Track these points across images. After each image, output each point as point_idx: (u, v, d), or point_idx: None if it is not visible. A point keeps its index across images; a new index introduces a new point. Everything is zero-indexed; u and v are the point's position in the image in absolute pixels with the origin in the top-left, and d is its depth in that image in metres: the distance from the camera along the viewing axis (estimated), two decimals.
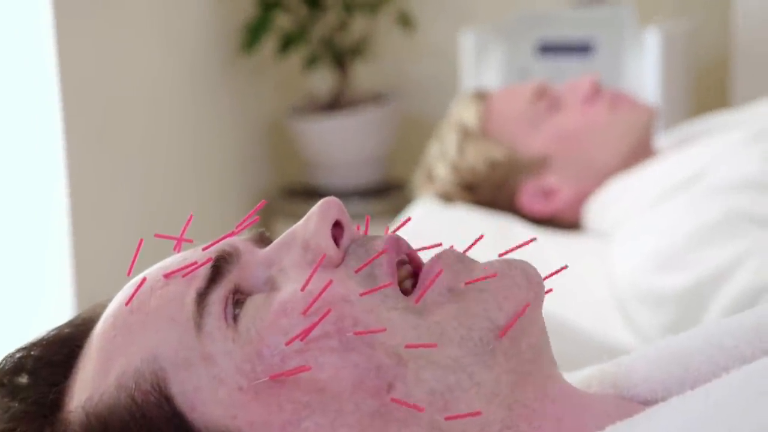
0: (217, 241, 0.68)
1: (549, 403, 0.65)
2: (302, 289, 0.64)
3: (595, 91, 1.90)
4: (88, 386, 0.66)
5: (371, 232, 0.70)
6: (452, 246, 0.68)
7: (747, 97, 2.46)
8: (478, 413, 0.62)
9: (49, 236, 2.38)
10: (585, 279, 1.71)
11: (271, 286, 0.66)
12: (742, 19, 2.67)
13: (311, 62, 3.14)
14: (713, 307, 1.50)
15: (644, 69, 2.58)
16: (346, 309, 0.63)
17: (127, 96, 2.61)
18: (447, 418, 0.62)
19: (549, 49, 2.71)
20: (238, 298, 0.65)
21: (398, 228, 0.71)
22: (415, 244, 0.69)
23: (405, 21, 3.15)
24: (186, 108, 2.87)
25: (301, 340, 0.62)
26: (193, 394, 0.63)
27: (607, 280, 1.68)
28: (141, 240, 0.72)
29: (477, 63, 2.73)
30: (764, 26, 2.66)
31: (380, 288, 0.64)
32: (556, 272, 0.69)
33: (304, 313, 0.63)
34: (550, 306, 1.67)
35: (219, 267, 0.66)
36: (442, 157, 1.95)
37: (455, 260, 0.66)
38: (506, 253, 0.68)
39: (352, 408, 0.62)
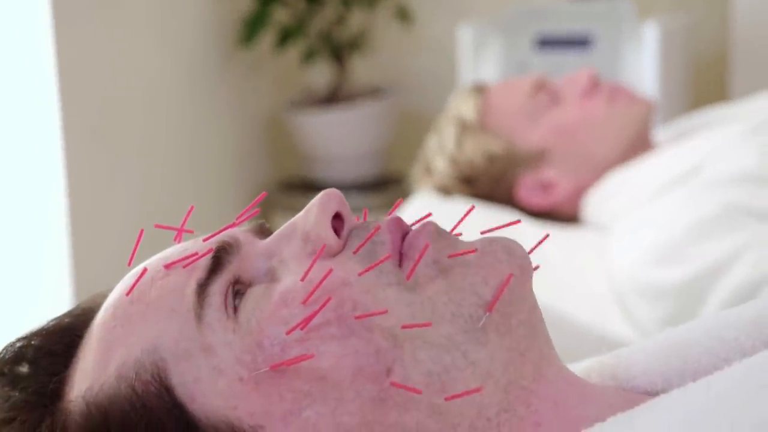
0: (218, 233, 0.68)
1: (546, 385, 0.65)
2: (302, 280, 0.64)
3: (594, 85, 1.90)
4: (89, 376, 0.66)
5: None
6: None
7: (745, 91, 2.46)
8: (478, 390, 0.62)
9: (47, 229, 2.38)
10: (583, 272, 1.71)
11: (271, 277, 0.66)
12: (740, 13, 2.67)
13: (309, 56, 3.14)
14: (712, 301, 1.50)
15: (643, 63, 2.58)
16: (345, 292, 0.63)
17: (124, 90, 2.60)
18: (447, 399, 0.62)
19: (547, 42, 2.71)
20: (238, 289, 0.66)
21: (392, 210, 0.72)
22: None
23: (403, 15, 3.15)
24: (184, 102, 2.87)
25: (302, 329, 0.62)
26: (194, 384, 0.63)
27: (605, 273, 1.68)
28: (142, 230, 0.72)
29: (475, 57, 2.73)
30: (763, 20, 2.66)
31: (378, 263, 0.64)
32: (539, 243, 0.70)
33: (304, 302, 0.63)
34: (548, 299, 1.67)
35: (220, 258, 0.66)
36: (441, 150, 1.95)
37: (437, 234, 0.66)
38: (488, 231, 0.68)
39: (352, 395, 0.62)
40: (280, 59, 3.23)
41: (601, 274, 1.69)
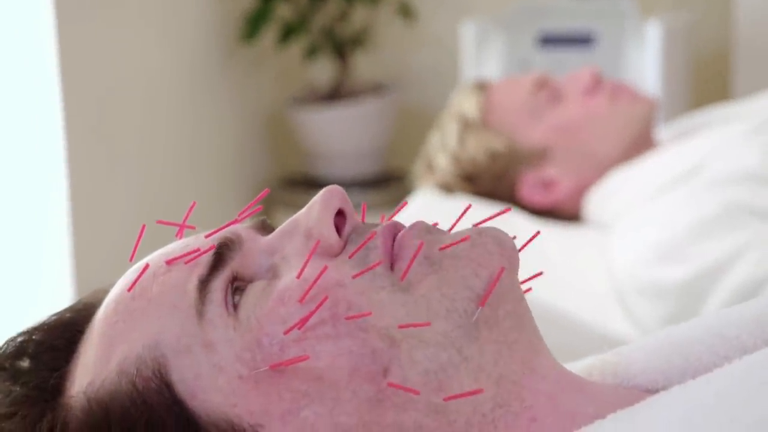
0: (220, 229, 0.68)
1: (539, 380, 0.65)
2: (298, 277, 0.64)
3: (596, 83, 1.90)
4: (90, 371, 0.66)
5: (369, 221, 0.70)
6: (435, 223, 0.68)
7: (747, 90, 2.46)
8: (479, 391, 0.62)
9: (48, 224, 2.38)
10: (585, 271, 1.71)
11: (273, 273, 0.66)
12: (742, 12, 2.67)
13: (311, 52, 3.14)
14: (713, 300, 1.50)
15: (645, 61, 2.58)
16: (340, 293, 0.63)
17: (126, 85, 2.60)
18: (446, 399, 0.62)
19: (550, 40, 2.71)
20: (238, 285, 0.66)
21: (395, 214, 0.72)
22: None
23: (405, 12, 3.14)
24: (186, 98, 2.87)
25: (299, 328, 0.62)
26: (194, 381, 0.63)
27: (606, 271, 1.68)
28: (143, 226, 0.72)
29: (477, 54, 2.73)
30: (765, 19, 2.66)
31: (371, 268, 0.64)
32: (531, 240, 0.70)
33: (301, 301, 0.63)
34: (550, 297, 1.67)
35: (221, 254, 0.66)
36: (443, 147, 1.94)
37: (426, 231, 0.66)
38: (480, 223, 0.68)
39: (349, 395, 0.62)
40: (283, 55, 3.23)
41: (602, 272, 1.69)
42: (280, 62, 3.27)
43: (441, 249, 0.65)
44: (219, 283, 0.65)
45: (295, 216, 0.68)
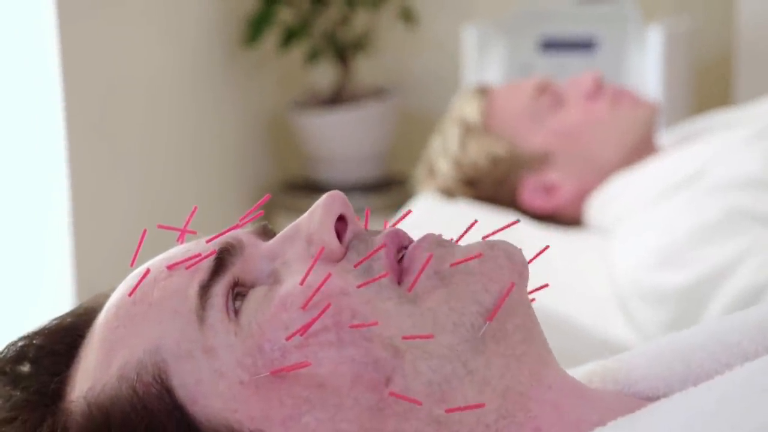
0: (221, 234, 0.68)
1: (545, 390, 0.65)
2: (301, 283, 0.64)
3: (597, 88, 1.90)
4: (90, 376, 0.66)
5: (371, 226, 0.70)
6: (440, 235, 0.68)
7: (749, 95, 2.46)
8: (482, 405, 0.62)
9: (49, 229, 2.38)
10: (586, 275, 1.71)
11: (274, 279, 0.66)
12: (744, 17, 2.67)
13: (313, 56, 3.14)
14: (714, 305, 1.50)
15: (647, 66, 2.58)
16: (344, 301, 0.63)
17: (128, 88, 2.60)
18: (448, 411, 0.62)
19: (551, 45, 2.71)
20: (239, 291, 0.65)
21: (398, 221, 0.71)
22: (416, 238, 0.69)
23: (407, 16, 3.15)
24: (187, 101, 2.87)
25: (301, 335, 0.62)
26: (195, 386, 0.63)
27: (608, 276, 1.68)
28: (144, 230, 0.72)
29: (479, 58, 2.73)
30: (767, 24, 2.66)
31: (377, 279, 0.64)
32: (540, 253, 0.69)
33: (304, 307, 0.63)
34: (551, 302, 1.67)
35: (222, 259, 0.66)
36: (444, 152, 1.94)
37: (437, 244, 0.66)
38: (488, 236, 0.68)
39: (351, 403, 0.62)
40: (284, 59, 3.23)
41: (603, 277, 1.69)
42: (281, 66, 3.27)
43: (452, 265, 0.65)
44: (220, 289, 0.65)
45: (296, 221, 0.68)
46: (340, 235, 0.66)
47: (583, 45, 2.67)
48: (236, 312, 0.64)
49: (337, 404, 0.62)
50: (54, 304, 2.34)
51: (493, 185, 1.90)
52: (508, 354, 0.64)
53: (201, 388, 0.63)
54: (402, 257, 0.66)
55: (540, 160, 1.88)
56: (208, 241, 0.68)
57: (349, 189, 3.08)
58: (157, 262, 0.68)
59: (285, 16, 3.12)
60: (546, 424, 0.64)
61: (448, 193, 1.93)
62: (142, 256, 0.71)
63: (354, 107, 3.13)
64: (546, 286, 0.68)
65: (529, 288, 0.67)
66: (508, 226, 0.70)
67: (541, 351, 0.66)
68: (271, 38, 3.13)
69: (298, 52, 3.18)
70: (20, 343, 0.69)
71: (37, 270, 2.39)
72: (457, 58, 2.91)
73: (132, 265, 0.70)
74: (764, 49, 2.66)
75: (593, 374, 0.72)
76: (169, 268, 0.66)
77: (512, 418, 0.64)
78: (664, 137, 2.01)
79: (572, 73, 2.15)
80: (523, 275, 0.65)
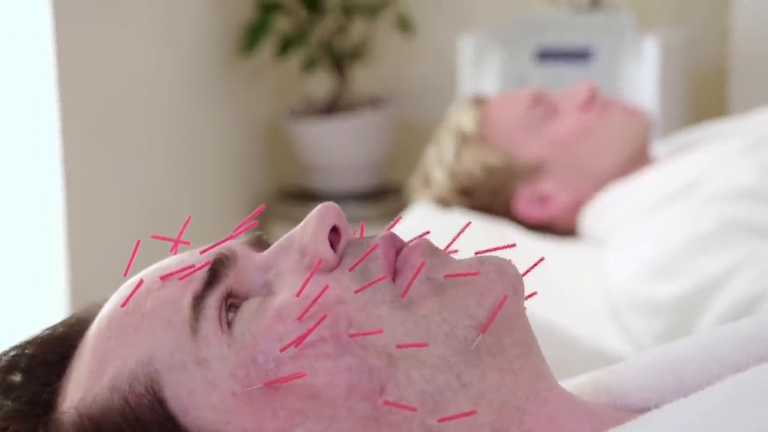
0: (216, 245, 0.68)
1: (541, 404, 0.65)
2: (298, 295, 0.64)
3: (591, 98, 1.90)
4: (82, 387, 0.66)
5: (366, 236, 0.70)
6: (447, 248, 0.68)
7: (745, 106, 2.47)
8: (473, 413, 0.62)
9: (44, 238, 2.38)
10: (580, 286, 1.71)
11: (267, 290, 0.66)
12: (740, 28, 2.67)
13: (310, 65, 3.14)
14: (708, 316, 1.50)
15: (642, 76, 2.58)
16: (341, 310, 0.63)
17: (124, 97, 2.60)
18: (440, 420, 0.62)
19: (547, 55, 2.71)
20: (233, 302, 0.65)
21: (391, 227, 0.72)
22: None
23: (404, 25, 3.15)
24: (184, 109, 2.87)
25: (296, 346, 0.62)
26: (187, 398, 0.63)
27: (602, 287, 1.68)
28: (138, 241, 0.72)
29: (475, 68, 2.73)
30: (762, 36, 2.67)
31: (374, 282, 0.64)
32: (534, 266, 0.69)
33: (300, 319, 0.63)
34: (545, 312, 1.67)
35: (216, 270, 0.66)
36: (439, 161, 1.95)
37: (431, 252, 0.66)
38: (483, 252, 0.68)
39: (345, 413, 0.62)
40: (281, 67, 3.23)
41: (597, 287, 1.69)
42: (278, 74, 3.27)
43: (446, 277, 0.65)
44: (213, 300, 0.65)
45: (290, 233, 0.68)
46: (333, 246, 0.66)
47: (579, 55, 2.68)
48: (229, 323, 0.64)
49: (331, 415, 0.62)
50: (48, 313, 2.33)
51: (488, 195, 1.90)
52: (505, 368, 0.64)
53: (193, 400, 0.63)
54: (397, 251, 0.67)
55: (535, 170, 1.88)
56: (201, 252, 0.68)
57: (344, 198, 3.08)
58: (150, 272, 0.68)
59: (282, 24, 3.12)
60: None
61: (444, 202, 1.93)
62: (136, 266, 0.71)
63: (350, 116, 3.13)
64: (534, 294, 0.68)
65: None
66: (503, 247, 0.70)
67: (538, 364, 0.66)
68: (267, 47, 3.13)
69: (294, 60, 3.18)
70: (12, 353, 0.69)
71: (32, 279, 2.39)
72: (454, 67, 2.91)
73: (126, 275, 0.70)
74: (759, 61, 2.66)
75: (585, 386, 0.72)
76: (163, 278, 0.66)
77: (506, 431, 0.64)
78: (659, 147, 2.01)
79: (568, 83, 2.15)
80: (518, 289, 0.65)
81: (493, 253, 0.67)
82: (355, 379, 0.62)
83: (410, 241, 0.67)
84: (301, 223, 0.68)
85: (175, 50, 2.83)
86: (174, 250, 0.71)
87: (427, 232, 0.68)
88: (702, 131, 1.98)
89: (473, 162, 1.90)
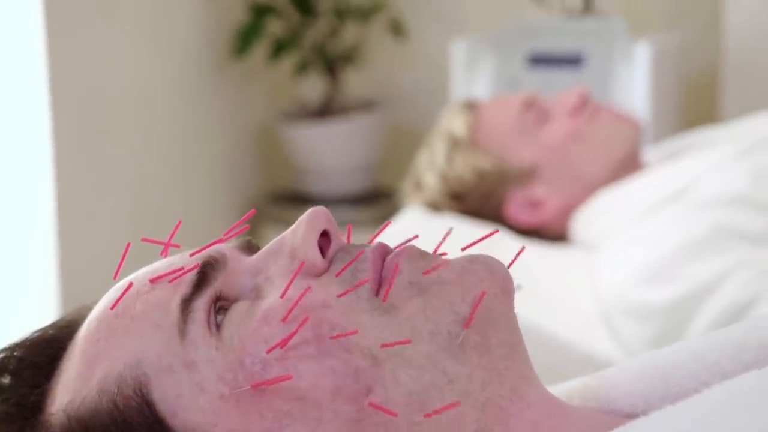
0: (205, 248, 0.68)
1: (524, 407, 0.65)
2: (282, 297, 0.64)
3: (583, 103, 1.90)
4: (70, 389, 0.66)
5: (356, 239, 0.70)
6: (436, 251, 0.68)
7: (736, 112, 2.47)
8: (457, 404, 0.62)
9: (34, 240, 2.38)
10: (571, 290, 1.71)
11: (257, 294, 0.66)
12: (732, 34, 2.68)
13: (302, 68, 3.14)
14: (698, 321, 1.50)
15: (634, 82, 2.59)
16: (324, 314, 0.63)
17: (116, 99, 2.60)
18: (426, 416, 0.62)
19: (540, 60, 2.72)
20: (222, 305, 0.65)
21: (378, 234, 0.72)
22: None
23: (397, 29, 3.15)
24: (176, 112, 2.87)
25: (281, 348, 0.62)
26: (175, 400, 0.63)
27: (593, 292, 1.68)
28: (128, 244, 0.72)
29: (468, 73, 2.73)
30: (754, 41, 2.67)
31: (356, 286, 0.64)
32: (517, 256, 0.69)
33: (284, 320, 0.63)
34: (536, 317, 1.67)
35: (205, 273, 0.66)
36: (431, 166, 1.95)
37: (417, 255, 0.66)
38: (468, 246, 0.68)
39: (331, 415, 0.62)
40: (273, 71, 3.23)
41: (588, 292, 1.69)
42: (270, 78, 3.27)
43: (424, 274, 0.65)
44: (202, 303, 0.65)
45: (280, 236, 0.68)
46: (323, 251, 0.66)
47: (571, 60, 2.68)
48: (218, 326, 0.64)
49: (318, 417, 0.62)
50: (37, 315, 2.33)
51: (479, 199, 1.90)
52: (490, 368, 0.64)
53: (181, 402, 0.63)
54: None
55: (526, 175, 1.88)
56: (191, 255, 0.68)
57: (336, 201, 3.08)
58: (139, 275, 0.68)
59: (274, 27, 3.12)
60: None
61: (435, 206, 1.93)
62: (126, 269, 0.71)
63: (342, 120, 3.13)
64: (518, 288, 0.68)
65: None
66: (487, 236, 0.70)
67: (524, 367, 0.66)
68: (260, 50, 3.13)
69: (287, 64, 3.18)
70: (1, 355, 0.69)
71: (21, 281, 2.39)
72: (446, 72, 2.91)
73: (115, 278, 0.70)
74: (751, 66, 2.67)
75: (574, 391, 0.72)
76: (152, 281, 0.66)
77: (490, 431, 0.64)
78: (650, 153, 2.01)
79: (560, 88, 2.15)
80: (506, 287, 0.65)
81: (485, 252, 0.67)
82: (340, 381, 0.62)
83: (396, 247, 0.67)
84: (291, 227, 0.68)
85: (168, 53, 2.83)
86: (164, 253, 0.71)
87: (415, 237, 0.68)
88: (694, 137, 1.99)
89: (465, 166, 1.90)
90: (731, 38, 2.67)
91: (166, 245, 0.71)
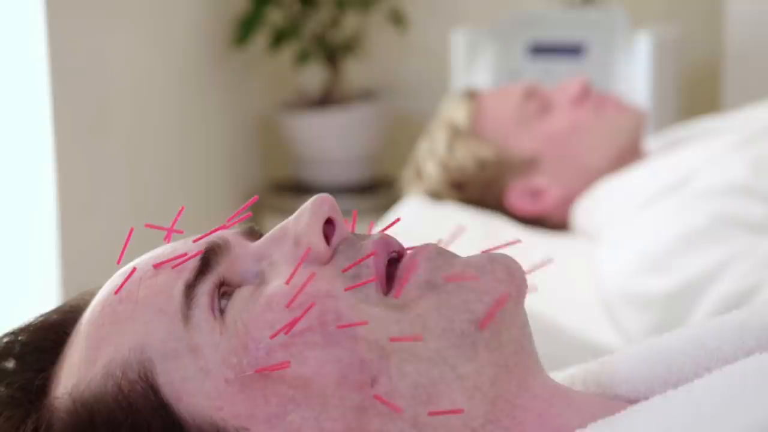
0: (209, 233, 0.68)
1: (531, 398, 0.65)
2: (287, 283, 0.64)
3: (584, 93, 1.90)
4: (75, 373, 0.66)
5: (358, 228, 0.70)
6: (438, 242, 0.68)
7: (737, 102, 2.47)
8: (460, 411, 0.63)
9: (36, 227, 2.38)
10: (572, 280, 1.71)
11: (260, 279, 0.66)
12: (732, 24, 2.68)
13: (303, 58, 3.14)
14: (698, 310, 1.50)
15: (635, 72, 2.59)
16: (330, 303, 0.63)
17: (117, 89, 2.60)
18: (430, 413, 0.62)
19: (540, 50, 2.72)
20: (225, 291, 0.66)
21: (386, 228, 0.71)
22: (402, 242, 0.69)
23: (397, 19, 3.15)
24: (176, 101, 2.87)
25: (286, 333, 0.62)
26: (180, 384, 0.63)
27: (594, 281, 1.68)
28: (132, 229, 0.72)
29: (468, 63, 2.73)
30: (754, 31, 2.67)
31: (365, 283, 0.64)
32: (540, 266, 0.70)
33: (288, 306, 0.63)
34: (536, 306, 1.68)
35: (208, 259, 0.66)
36: (432, 155, 1.95)
37: (435, 254, 0.66)
38: (490, 250, 0.68)
39: (336, 402, 0.62)
40: (274, 60, 3.23)
41: (589, 281, 1.69)
42: (271, 67, 3.27)
43: (448, 280, 0.65)
44: (205, 288, 0.65)
45: (283, 223, 0.68)
46: (327, 238, 0.66)
47: (572, 50, 2.68)
48: (222, 311, 0.65)
49: (322, 403, 0.62)
50: (40, 301, 2.33)
51: (480, 188, 1.90)
52: (500, 364, 0.64)
53: (186, 386, 0.63)
54: (389, 263, 0.67)
55: (527, 165, 1.88)
56: (194, 241, 0.68)
57: (337, 191, 3.08)
58: (143, 261, 0.68)
59: (274, 17, 3.12)
60: (530, 428, 0.64)
61: (436, 195, 1.93)
62: (129, 255, 0.71)
63: (343, 109, 3.13)
64: (534, 289, 0.68)
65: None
66: (508, 244, 0.70)
67: (530, 362, 0.66)
68: (260, 39, 3.13)
69: (287, 53, 3.18)
70: (5, 340, 0.69)
71: (24, 268, 2.39)
72: (446, 61, 2.92)
73: (118, 263, 0.70)
74: (752, 56, 2.67)
75: (576, 377, 0.72)
76: (156, 266, 0.67)
77: (498, 423, 0.64)
78: (651, 143, 2.01)
79: (560, 78, 2.15)
80: (521, 289, 0.65)
81: (490, 243, 0.67)
82: (345, 371, 0.62)
83: (413, 248, 0.67)
84: (295, 214, 0.68)
85: (168, 42, 2.82)
86: (167, 239, 0.71)
87: (434, 244, 0.68)
88: (694, 127, 1.99)
89: (465, 155, 1.90)
90: (731, 28, 2.68)
91: (169, 231, 0.71)
